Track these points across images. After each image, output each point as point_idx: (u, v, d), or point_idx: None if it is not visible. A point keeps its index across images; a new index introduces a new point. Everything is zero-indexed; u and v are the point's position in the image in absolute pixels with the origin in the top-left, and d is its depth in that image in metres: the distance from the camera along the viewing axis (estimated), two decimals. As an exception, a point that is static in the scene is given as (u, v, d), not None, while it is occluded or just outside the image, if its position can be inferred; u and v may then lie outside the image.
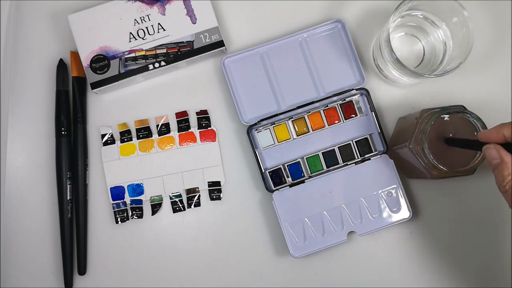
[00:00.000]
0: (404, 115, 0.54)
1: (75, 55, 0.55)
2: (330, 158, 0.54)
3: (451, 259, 0.54)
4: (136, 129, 0.55)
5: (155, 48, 0.53)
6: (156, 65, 0.53)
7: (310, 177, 0.54)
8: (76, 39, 0.53)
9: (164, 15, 0.54)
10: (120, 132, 0.55)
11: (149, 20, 0.53)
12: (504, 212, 0.55)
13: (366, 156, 0.54)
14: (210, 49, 0.53)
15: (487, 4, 0.56)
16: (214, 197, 0.55)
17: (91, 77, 0.53)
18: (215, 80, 0.56)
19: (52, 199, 0.55)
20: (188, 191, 0.55)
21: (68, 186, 0.54)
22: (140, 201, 0.55)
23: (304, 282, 0.54)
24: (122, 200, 0.55)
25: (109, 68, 0.53)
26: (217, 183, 0.55)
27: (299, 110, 0.54)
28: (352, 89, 0.54)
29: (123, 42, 0.53)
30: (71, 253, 0.54)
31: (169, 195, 0.55)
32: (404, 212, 0.53)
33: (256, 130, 0.54)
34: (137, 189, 0.55)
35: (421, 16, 0.53)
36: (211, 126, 0.56)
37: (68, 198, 0.54)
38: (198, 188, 0.55)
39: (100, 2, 0.54)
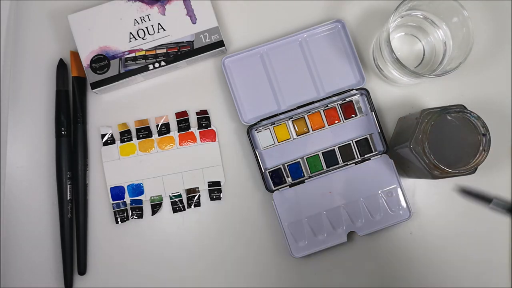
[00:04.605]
0: (404, 115, 0.54)
1: (75, 55, 0.55)
2: (330, 158, 0.54)
3: (451, 259, 0.54)
4: (136, 129, 0.55)
5: (155, 48, 0.53)
6: (156, 65, 0.53)
7: (310, 177, 0.54)
8: (76, 39, 0.53)
9: (164, 15, 0.54)
10: (120, 132, 0.55)
11: (149, 20, 0.53)
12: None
13: (366, 156, 0.54)
14: (210, 49, 0.53)
15: (487, 4, 0.56)
16: (214, 197, 0.55)
17: (91, 77, 0.53)
18: (215, 80, 0.56)
19: (52, 199, 0.55)
20: (188, 191, 0.55)
21: (68, 186, 0.54)
22: (140, 201, 0.55)
23: (304, 282, 0.54)
24: (122, 200, 0.55)
25: (109, 68, 0.53)
26: (217, 183, 0.55)
27: (299, 110, 0.54)
28: (352, 89, 0.54)
29: (123, 42, 0.53)
30: (71, 253, 0.54)
31: (169, 195, 0.55)
32: (404, 212, 0.53)
33: (256, 130, 0.54)
34: (137, 189, 0.55)
35: (421, 16, 0.53)
36: (211, 126, 0.56)
37: (68, 198, 0.54)
38: (198, 188, 0.55)
39: (100, 2, 0.54)
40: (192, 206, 0.55)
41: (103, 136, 0.55)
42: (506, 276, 0.54)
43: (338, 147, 0.54)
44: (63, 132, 0.54)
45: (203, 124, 0.56)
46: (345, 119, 0.54)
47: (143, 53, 0.53)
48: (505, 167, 0.55)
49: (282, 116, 0.54)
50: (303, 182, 0.54)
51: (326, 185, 0.54)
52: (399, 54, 0.49)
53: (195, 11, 0.53)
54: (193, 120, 0.56)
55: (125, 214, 0.55)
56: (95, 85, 0.53)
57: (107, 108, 0.56)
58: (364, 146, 0.54)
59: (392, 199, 0.53)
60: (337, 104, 0.54)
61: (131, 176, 0.55)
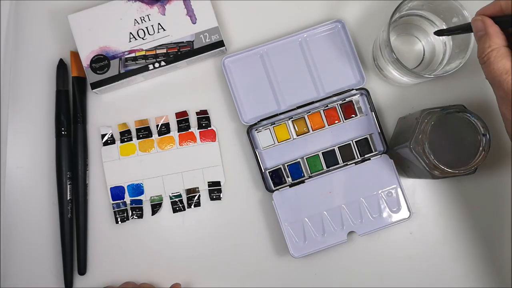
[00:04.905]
0: (404, 115, 0.54)
1: (75, 55, 0.55)
2: (330, 158, 0.54)
3: (450, 259, 0.54)
4: (136, 129, 0.55)
5: (155, 48, 0.53)
6: (156, 65, 0.53)
7: (310, 177, 0.54)
8: (76, 39, 0.53)
9: (164, 15, 0.54)
10: (120, 132, 0.55)
11: (149, 20, 0.53)
12: (505, 212, 0.55)
13: (366, 156, 0.54)
14: (210, 49, 0.53)
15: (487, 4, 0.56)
16: (214, 197, 0.55)
17: (91, 77, 0.53)
18: (215, 80, 0.56)
19: (52, 199, 0.55)
20: (188, 191, 0.55)
21: (68, 186, 0.54)
22: (140, 201, 0.55)
23: (304, 282, 0.54)
24: (122, 200, 0.55)
25: (109, 68, 0.53)
26: (217, 183, 0.55)
27: (299, 110, 0.54)
28: (352, 89, 0.54)
29: (123, 42, 0.53)
30: (71, 253, 0.54)
31: (169, 195, 0.55)
32: (404, 212, 0.53)
33: (256, 130, 0.54)
34: (137, 189, 0.55)
35: (421, 16, 0.53)
36: (211, 126, 0.56)
37: (68, 198, 0.54)
38: (198, 188, 0.55)
39: (100, 2, 0.54)
40: (192, 206, 0.55)
41: (103, 136, 0.55)
42: (506, 276, 0.54)
43: (338, 147, 0.54)
44: (63, 132, 0.54)
45: (203, 124, 0.56)
46: (345, 119, 0.54)
47: (143, 53, 0.53)
48: (505, 167, 0.55)
49: (282, 116, 0.54)
50: (303, 182, 0.54)
51: (326, 185, 0.54)
52: (399, 54, 0.49)
53: (195, 11, 0.53)
54: (193, 120, 0.56)
55: (125, 214, 0.55)
56: (95, 85, 0.53)
57: (107, 108, 0.56)
58: (364, 146, 0.54)
59: (392, 199, 0.53)
60: (337, 104, 0.54)
61: (131, 176, 0.55)
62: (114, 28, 0.53)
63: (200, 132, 0.56)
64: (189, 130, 0.56)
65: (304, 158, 0.54)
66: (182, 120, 0.56)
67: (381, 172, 0.53)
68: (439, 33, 0.47)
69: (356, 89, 0.54)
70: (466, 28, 0.44)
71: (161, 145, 0.55)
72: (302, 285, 0.54)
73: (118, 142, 0.55)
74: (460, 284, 0.54)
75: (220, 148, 0.56)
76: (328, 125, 0.54)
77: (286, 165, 0.54)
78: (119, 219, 0.55)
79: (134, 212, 0.55)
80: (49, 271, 0.54)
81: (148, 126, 0.56)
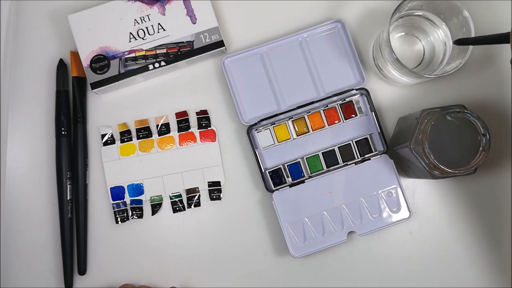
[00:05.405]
0: (404, 115, 0.54)
1: (75, 55, 0.55)
2: (330, 158, 0.54)
3: (450, 259, 0.54)
4: (136, 129, 0.55)
5: (155, 48, 0.53)
6: (156, 65, 0.53)
7: (310, 177, 0.54)
8: (76, 39, 0.53)
9: (164, 15, 0.54)
10: (120, 132, 0.55)
11: (149, 20, 0.53)
12: (504, 212, 0.55)
13: (366, 156, 0.54)
14: (210, 49, 0.53)
15: (487, 4, 0.56)
16: (214, 197, 0.55)
17: (91, 77, 0.53)
18: (215, 80, 0.56)
19: (52, 199, 0.55)
20: (188, 191, 0.55)
21: (68, 186, 0.54)
22: (140, 201, 0.55)
23: (304, 282, 0.54)
24: (122, 200, 0.55)
25: (109, 68, 0.53)
26: (217, 183, 0.55)
27: (299, 110, 0.54)
28: (352, 89, 0.54)
29: (123, 42, 0.53)
30: (71, 253, 0.54)
31: (169, 195, 0.55)
32: (404, 212, 0.53)
33: (256, 130, 0.54)
34: (137, 189, 0.55)
35: (421, 16, 0.53)
36: (211, 126, 0.56)
37: (68, 198, 0.54)
38: (198, 188, 0.55)
39: (100, 2, 0.54)
40: (192, 206, 0.55)
41: (103, 136, 0.55)
42: (506, 276, 0.54)
43: (338, 147, 0.54)
44: (63, 132, 0.54)
45: (203, 124, 0.56)
46: (345, 119, 0.54)
47: (143, 53, 0.53)
48: (505, 167, 0.55)
49: (282, 116, 0.54)
50: (303, 182, 0.54)
51: (326, 185, 0.54)
52: (399, 54, 0.49)
53: (195, 11, 0.53)
54: (193, 120, 0.56)
55: (125, 214, 0.55)
56: (95, 85, 0.53)
57: (107, 108, 0.56)
58: (364, 146, 0.54)
59: (392, 199, 0.53)
60: (337, 104, 0.54)
61: (131, 176, 0.55)
62: (114, 28, 0.53)
63: (200, 132, 0.56)
64: (189, 130, 0.56)
65: (304, 158, 0.54)
66: (182, 120, 0.56)
67: (381, 172, 0.53)
68: (459, 42, 0.42)
69: (356, 89, 0.54)
70: (497, 39, 0.39)
71: (161, 145, 0.55)
72: (302, 285, 0.54)
73: (118, 142, 0.55)
74: (460, 284, 0.54)
75: (220, 148, 0.56)
76: (328, 125, 0.54)
77: (286, 165, 0.54)
78: (119, 219, 0.55)
79: (134, 212, 0.55)
80: (49, 271, 0.54)
81: (148, 126, 0.56)
